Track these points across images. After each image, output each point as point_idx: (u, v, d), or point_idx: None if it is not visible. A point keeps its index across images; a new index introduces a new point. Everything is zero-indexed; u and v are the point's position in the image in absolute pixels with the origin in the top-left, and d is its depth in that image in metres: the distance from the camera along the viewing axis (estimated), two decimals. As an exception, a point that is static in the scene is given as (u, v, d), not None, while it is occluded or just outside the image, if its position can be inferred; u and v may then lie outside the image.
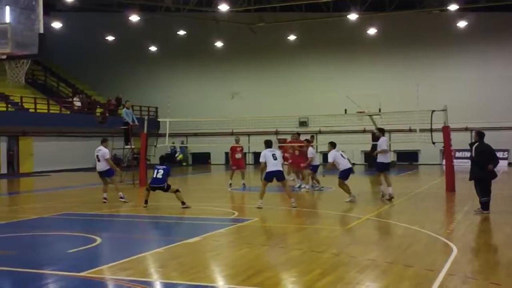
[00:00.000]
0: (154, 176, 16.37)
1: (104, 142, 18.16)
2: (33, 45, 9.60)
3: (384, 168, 17.70)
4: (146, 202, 16.44)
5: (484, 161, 14.03)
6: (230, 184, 22.33)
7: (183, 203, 16.26)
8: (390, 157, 17.15)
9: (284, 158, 20.47)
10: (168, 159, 42.64)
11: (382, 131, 18.25)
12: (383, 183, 17.71)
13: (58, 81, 43.54)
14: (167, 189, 16.35)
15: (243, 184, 22.22)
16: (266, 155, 15.90)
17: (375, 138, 27.94)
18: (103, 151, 17.71)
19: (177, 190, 16.53)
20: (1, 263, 9.15)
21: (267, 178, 15.94)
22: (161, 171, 16.40)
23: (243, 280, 8.10)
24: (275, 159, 15.83)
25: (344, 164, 17.49)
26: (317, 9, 37.03)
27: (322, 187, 20.88)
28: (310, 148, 20.76)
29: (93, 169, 36.78)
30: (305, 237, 11.75)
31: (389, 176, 17.87)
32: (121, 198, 17.74)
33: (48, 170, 34.04)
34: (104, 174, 17.78)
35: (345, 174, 17.43)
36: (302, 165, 21.20)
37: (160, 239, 11.78)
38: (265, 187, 16.03)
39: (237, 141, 23.39)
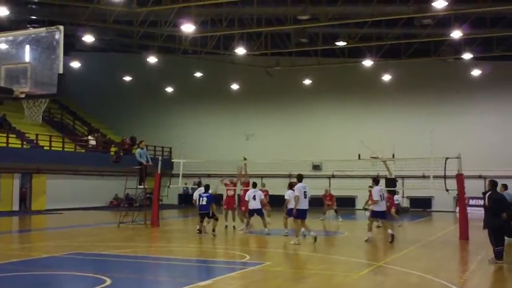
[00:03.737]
0: (199, 203, 19.56)
1: None
2: (52, 85, 9.69)
3: (375, 215, 18.64)
4: (200, 231, 19.70)
5: (498, 210, 13.91)
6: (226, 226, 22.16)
7: (213, 230, 19.26)
8: (384, 206, 18.52)
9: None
10: (185, 200, 42.93)
11: (375, 181, 19.01)
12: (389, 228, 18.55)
13: (74, 120, 44.00)
14: (212, 216, 19.41)
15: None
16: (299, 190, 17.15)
17: (390, 183, 27.89)
18: None
19: (216, 218, 19.48)
20: (11, 302, 9.10)
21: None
22: (205, 199, 19.33)
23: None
24: (305, 197, 17.12)
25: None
26: (333, 54, 37.36)
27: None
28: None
29: (106, 207, 37.10)
30: (318, 283, 11.60)
31: (386, 222, 19.13)
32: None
33: (61, 208, 34.06)
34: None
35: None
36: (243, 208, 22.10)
37: (171, 281, 11.68)
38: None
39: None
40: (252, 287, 10.82)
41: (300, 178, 17.62)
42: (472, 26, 29.85)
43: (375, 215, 18.61)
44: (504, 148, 36.29)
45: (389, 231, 18.10)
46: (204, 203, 19.41)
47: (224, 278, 11.69)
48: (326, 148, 38.11)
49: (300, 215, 17.25)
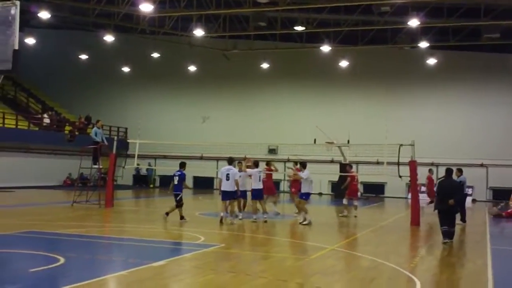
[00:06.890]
0: (174, 183, 18.27)
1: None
2: (7, 61, 9.48)
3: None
4: (167, 213, 18.40)
5: (444, 195, 14.91)
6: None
7: (182, 217, 18.24)
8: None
9: None
10: (139, 181, 42.85)
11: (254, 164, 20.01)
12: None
13: (28, 97, 43.06)
14: (179, 200, 18.25)
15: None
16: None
17: (343, 169, 28.23)
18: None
19: (181, 204, 18.43)
20: (-39, 280, 8.96)
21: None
22: (177, 178, 18.21)
23: (208, 307, 8.05)
24: (228, 179, 17.66)
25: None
26: (291, 39, 37.49)
27: None
28: None
29: (59, 187, 36.59)
30: (271, 265, 11.76)
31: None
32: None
33: (13, 186, 33.40)
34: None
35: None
36: None
37: (125, 261, 11.64)
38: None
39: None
40: (205, 268, 10.90)
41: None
42: (429, 15, 30.31)
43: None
44: (456, 136, 37.14)
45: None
46: (176, 182, 18.33)
47: (177, 259, 11.74)
48: (282, 132, 38.33)
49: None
